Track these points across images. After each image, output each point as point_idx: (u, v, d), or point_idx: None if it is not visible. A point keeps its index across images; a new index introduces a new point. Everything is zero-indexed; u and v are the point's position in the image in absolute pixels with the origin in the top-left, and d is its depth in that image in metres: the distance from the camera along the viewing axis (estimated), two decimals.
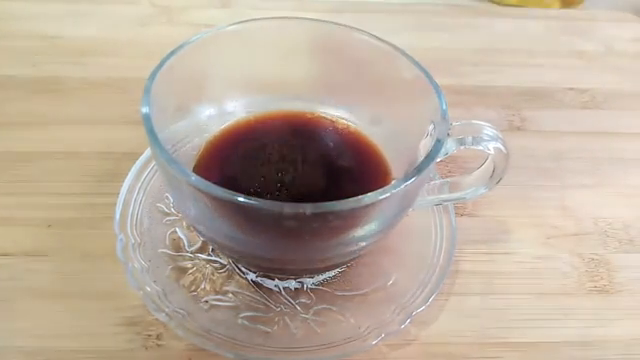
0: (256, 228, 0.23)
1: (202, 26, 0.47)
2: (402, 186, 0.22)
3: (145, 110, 0.23)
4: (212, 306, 0.27)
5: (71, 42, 0.44)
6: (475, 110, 0.42)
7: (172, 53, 0.26)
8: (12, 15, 0.46)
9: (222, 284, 0.28)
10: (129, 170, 0.32)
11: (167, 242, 0.29)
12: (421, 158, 0.24)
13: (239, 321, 0.27)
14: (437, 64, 0.45)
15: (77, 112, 0.38)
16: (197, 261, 0.29)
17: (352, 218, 0.23)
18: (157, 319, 0.26)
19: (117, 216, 0.30)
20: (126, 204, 0.30)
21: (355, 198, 0.21)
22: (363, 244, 0.25)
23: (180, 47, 0.27)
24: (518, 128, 0.41)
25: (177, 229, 0.30)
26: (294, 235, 0.23)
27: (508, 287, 0.30)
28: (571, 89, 0.45)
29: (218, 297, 0.27)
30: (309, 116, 0.32)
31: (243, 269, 0.29)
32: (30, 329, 0.26)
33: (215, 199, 0.21)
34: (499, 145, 0.26)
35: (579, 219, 0.34)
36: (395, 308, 0.27)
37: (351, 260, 0.28)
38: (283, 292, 0.28)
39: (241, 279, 0.28)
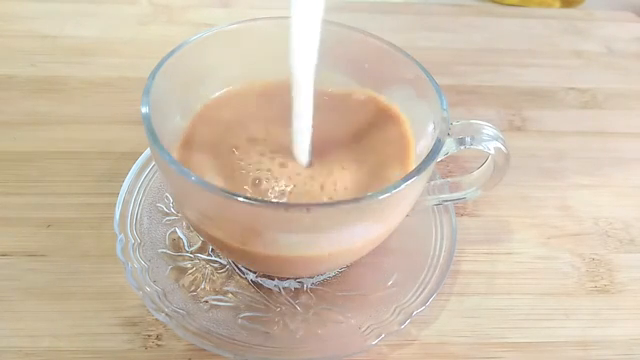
0: (256, 227, 0.23)
1: (202, 26, 0.47)
2: (402, 186, 0.22)
3: (145, 110, 0.23)
4: (212, 306, 0.27)
5: (71, 42, 0.44)
6: (475, 110, 0.42)
7: (172, 53, 0.26)
8: (12, 15, 0.46)
9: (222, 284, 0.28)
10: (129, 170, 0.32)
11: (167, 242, 0.29)
12: (421, 158, 0.24)
13: (239, 321, 0.26)
14: (437, 64, 0.45)
15: (77, 112, 0.38)
16: (197, 261, 0.29)
17: (352, 218, 0.23)
18: (157, 319, 0.26)
19: (117, 216, 0.29)
20: (126, 204, 0.30)
21: (355, 198, 0.21)
22: (363, 244, 0.25)
23: (180, 47, 0.27)
24: (519, 128, 0.40)
25: (177, 229, 0.30)
26: (293, 233, 0.23)
27: (508, 287, 0.30)
28: (572, 89, 0.45)
29: (218, 297, 0.27)
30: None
31: (243, 269, 0.29)
32: (30, 329, 0.26)
33: (215, 199, 0.21)
34: (499, 145, 0.26)
35: (580, 219, 0.34)
36: (395, 308, 0.27)
37: (351, 260, 0.28)
38: (283, 292, 0.28)
39: (241, 279, 0.28)
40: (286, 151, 0.27)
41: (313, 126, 0.25)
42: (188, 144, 0.27)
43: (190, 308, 0.27)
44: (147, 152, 0.33)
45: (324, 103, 0.26)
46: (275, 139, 0.27)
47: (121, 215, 0.30)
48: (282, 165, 0.26)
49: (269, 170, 0.26)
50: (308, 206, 0.21)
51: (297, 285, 0.28)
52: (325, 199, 0.25)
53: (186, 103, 0.29)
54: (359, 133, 0.29)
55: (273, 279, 0.28)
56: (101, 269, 0.29)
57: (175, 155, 0.27)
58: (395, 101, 0.30)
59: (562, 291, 0.30)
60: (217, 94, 0.30)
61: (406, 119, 0.29)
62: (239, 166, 0.26)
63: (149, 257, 0.28)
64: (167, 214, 0.31)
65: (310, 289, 0.28)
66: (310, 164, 0.26)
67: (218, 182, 0.25)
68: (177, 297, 0.27)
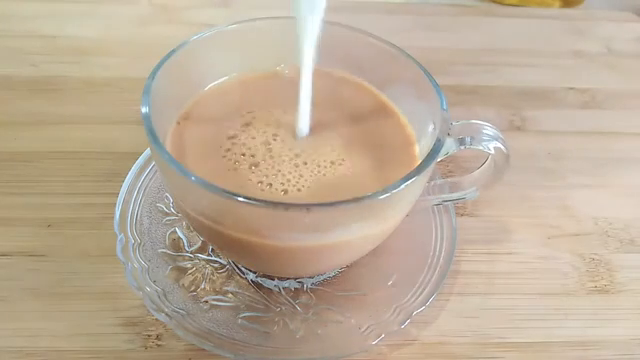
0: (256, 225, 0.23)
1: (202, 26, 0.47)
2: (402, 186, 0.22)
3: (145, 110, 0.23)
4: (212, 306, 0.27)
5: (71, 42, 0.44)
6: (475, 110, 0.42)
7: (172, 53, 0.26)
8: (12, 15, 0.46)
9: (222, 284, 0.28)
10: (129, 170, 0.32)
11: (167, 242, 0.29)
12: (421, 158, 0.24)
13: (239, 321, 0.26)
14: (437, 64, 0.45)
15: (77, 112, 0.38)
16: (197, 261, 0.29)
17: (352, 217, 0.23)
18: (157, 319, 0.26)
19: (117, 216, 0.29)
20: (126, 204, 0.30)
21: (355, 198, 0.21)
22: (363, 244, 0.25)
23: (180, 47, 0.27)
24: (518, 128, 0.40)
25: (177, 229, 0.30)
26: (294, 233, 0.23)
27: (508, 287, 0.30)
28: (571, 89, 0.45)
29: (218, 297, 0.27)
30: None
31: (243, 269, 0.29)
32: (30, 329, 0.26)
33: (215, 198, 0.21)
34: (499, 145, 0.26)
35: (580, 219, 0.34)
36: (395, 308, 0.27)
37: (351, 260, 0.28)
38: (283, 292, 0.28)
39: (241, 279, 0.28)
40: (284, 132, 0.27)
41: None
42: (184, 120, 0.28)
43: (190, 308, 0.27)
44: (147, 152, 0.33)
45: (326, 97, 0.27)
46: (271, 122, 0.28)
47: (121, 215, 0.30)
48: (276, 145, 0.27)
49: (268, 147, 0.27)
50: (308, 206, 0.21)
51: (297, 285, 0.28)
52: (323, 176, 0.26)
53: (186, 103, 0.29)
54: (358, 132, 0.29)
55: (273, 279, 0.28)
56: (101, 269, 0.29)
57: (169, 136, 0.27)
58: (395, 101, 0.30)
59: (562, 291, 0.30)
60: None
61: (406, 119, 0.29)
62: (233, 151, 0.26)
63: (149, 257, 0.28)
64: (167, 214, 0.31)
65: (310, 289, 0.28)
66: (308, 134, 0.27)
67: (212, 165, 0.26)
68: (177, 297, 0.27)
